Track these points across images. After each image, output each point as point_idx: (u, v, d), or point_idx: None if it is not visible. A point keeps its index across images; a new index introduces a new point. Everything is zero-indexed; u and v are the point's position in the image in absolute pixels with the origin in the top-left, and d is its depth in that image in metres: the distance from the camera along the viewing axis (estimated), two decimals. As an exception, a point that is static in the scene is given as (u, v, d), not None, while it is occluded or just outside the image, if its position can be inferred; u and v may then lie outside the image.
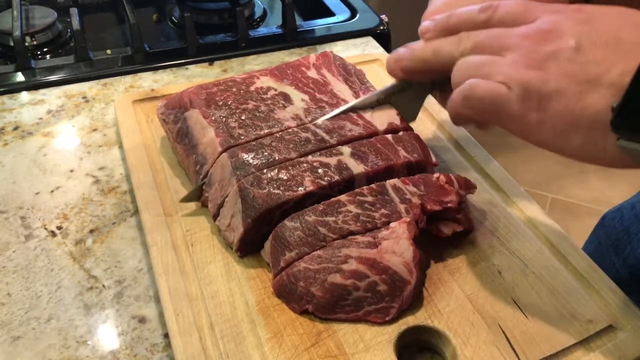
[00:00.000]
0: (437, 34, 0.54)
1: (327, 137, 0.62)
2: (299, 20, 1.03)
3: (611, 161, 0.45)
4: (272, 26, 1.03)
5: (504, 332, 0.52)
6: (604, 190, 2.33)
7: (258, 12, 1.08)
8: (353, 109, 0.66)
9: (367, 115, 0.65)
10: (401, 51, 0.58)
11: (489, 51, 0.48)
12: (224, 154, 0.60)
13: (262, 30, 1.00)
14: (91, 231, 0.63)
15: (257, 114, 0.64)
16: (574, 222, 2.17)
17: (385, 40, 1.01)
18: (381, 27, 1.02)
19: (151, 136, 0.73)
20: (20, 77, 0.86)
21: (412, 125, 0.67)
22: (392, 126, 0.64)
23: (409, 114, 0.67)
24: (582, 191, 2.30)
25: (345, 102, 0.67)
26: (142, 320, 0.55)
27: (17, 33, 0.87)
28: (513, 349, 0.51)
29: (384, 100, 0.66)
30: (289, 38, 0.98)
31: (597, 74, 0.43)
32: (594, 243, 0.85)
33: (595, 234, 0.86)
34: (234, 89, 0.67)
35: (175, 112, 0.67)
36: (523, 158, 2.44)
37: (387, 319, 0.52)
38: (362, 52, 0.96)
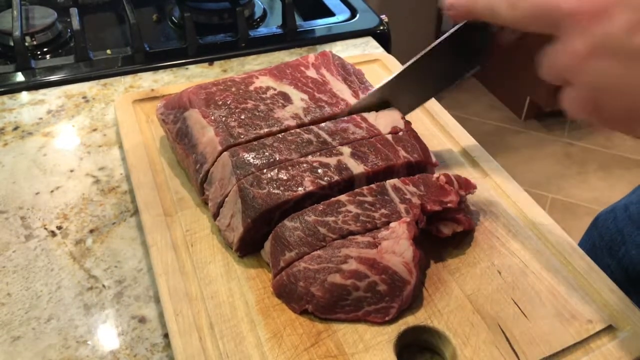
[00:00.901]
0: None
1: (329, 140, 0.62)
2: (299, 20, 1.03)
3: None
4: (272, 26, 1.03)
5: (503, 332, 0.52)
6: (604, 190, 2.33)
7: (258, 12, 1.08)
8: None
9: (371, 118, 0.65)
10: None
11: (542, 28, 0.45)
12: (225, 152, 0.60)
13: (262, 30, 1.00)
14: (91, 231, 0.63)
15: (257, 114, 0.64)
16: (574, 222, 2.17)
17: (385, 40, 1.01)
18: (381, 27, 1.02)
19: (151, 136, 0.73)
20: (20, 77, 0.86)
21: (412, 125, 0.67)
22: (396, 130, 0.65)
23: (405, 106, 0.67)
24: (581, 191, 2.30)
25: (345, 101, 0.67)
26: (142, 320, 0.55)
27: (17, 33, 0.87)
28: (513, 349, 0.51)
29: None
30: (289, 38, 0.98)
31: None
32: (588, 244, 0.85)
33: (589, 235, 0.86)
34: (233, 89, 0.67)
35: (174, 112, 0.67)
36: (523, 158, 2.44)
37: (387, 319, 0.52)
38: (362, 52, 0.96)
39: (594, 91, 0.43)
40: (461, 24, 0.59)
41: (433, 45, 0.62)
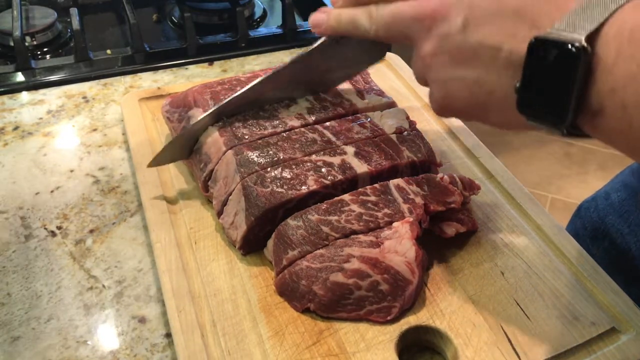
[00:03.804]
0: (346, 3, 0.55)
1: (333, 139, 0.62)
2: (299, 20, 1.03)
3: (531, 129, 0.44)
4: (272, 26, 1.03)
5: (505, 333, 0.52)
6: (604, 191, 2.33)
7: (258, 12, 1.08)
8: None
9: (376, 118, 0.65)
10: (319, 18, 0.57)
11: (399, 36, 0.50)
12: (229, 151, 0.60)
13: (262, 30, 1.00)
14: (91, 231, 0.63)
15: (261, 113, 0.64)
16: (574, 222, 2.17)
17: (385, 41, 1.00)
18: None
19: (156, 134, 0.73)
20: (20, 77, 0.86)
21: (417, 125, 0.66)
22: (400, 130, 0.64)
23: (375, 53, 0.66)
24: (582, 191, 2.30)
25: (349, 101, 0.67)
26: (142, 320, 0.55)
27: (17, 33, 0.87)
28: (515, 350, 0.51)
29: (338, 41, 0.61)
30: (289, 38, 0.98)
31: (489, 54, 0.42)
32: (571, 234, 0.85)
33: (573, 225, 0.86)
34: (238, 88, 0.66)
35: (179, 110, 0.67)
36: (523, 158, 2.44)
37: (388, 318, 0.52)
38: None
39: (443, 85, 0.47)
40: (325, 38, 0.60)
41: (299, 57, 0.62)
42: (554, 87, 0.38)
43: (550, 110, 0.39)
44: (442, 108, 0.49)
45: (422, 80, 0.51)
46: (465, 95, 0.45)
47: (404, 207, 0.56)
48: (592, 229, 0.79)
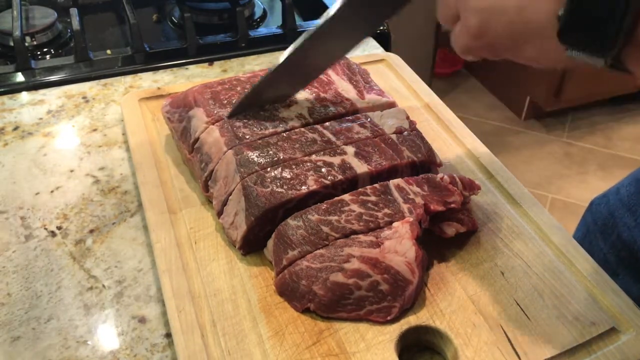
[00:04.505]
0: None
1: (333, 139, 0.62)
2: (299, 20, 1.03)
3: (569, 66, 0.43)
4: (272, 26, 1.03)
5: (505, 333, 0.52)
6: (604, 190, 2.33)
7: (258, 12, 1.08)
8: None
9: (376, 118, 0.65)
10: None
11: None
12: (229, 151, 0.60)
13: (262, 30, 1.00)
14: (91, 231, 0.63)
15: (262, 113, 0.64)
16: (574, 222, 2.16)
17: (385, 40, 1.01)
18: (381, 27, 1.02)
19: (156, 134, 0.73)
20: (20, 77, 0.86)
21: (417, 125, 0.66)
22: (400, 130, 0.64)
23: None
24: (582, 191, 2.30)
25: (349, 101, 0.67)
26: (142, 320, 0.55)
27: (17, 33, 0.87)
28: (515, 350, 0.50)
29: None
30: (289, 38, 0.98)
31: None
32: (582, 229, 0.86)
33: (584, 220, 0.86)
34: (239, 88, 0.67)
35: (180, 110, 0.67)
36: (523, 158, 2.44)
37: (388, 318, 0.52)
38: (362, 52, 0.96)
39: (480, 13, 0.44)
40: None
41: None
42: (602, 13, 0.36)
43: (595, 40, 0.37)
44: (475, 39, 0.46)
45: (451, 13, 0.48)
46: (503, 24, 0.43)
47: (404, 207, 0.56)
48: (602, 223, 0.79)
